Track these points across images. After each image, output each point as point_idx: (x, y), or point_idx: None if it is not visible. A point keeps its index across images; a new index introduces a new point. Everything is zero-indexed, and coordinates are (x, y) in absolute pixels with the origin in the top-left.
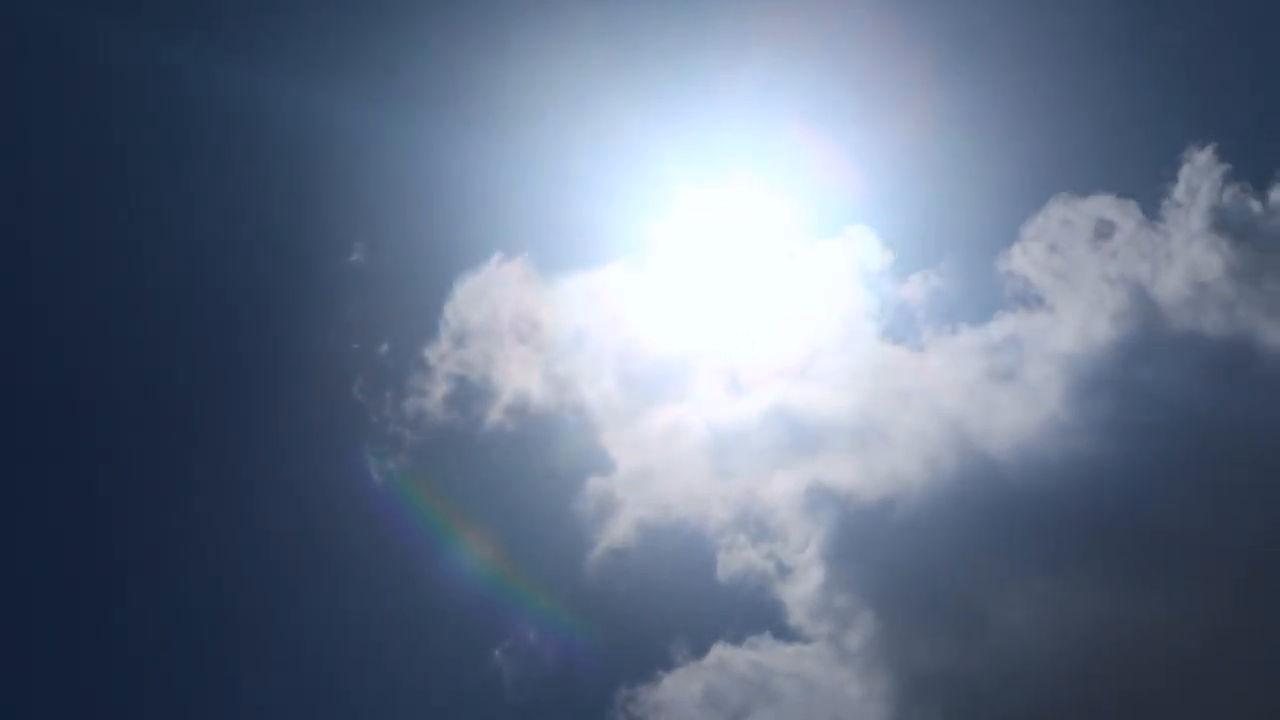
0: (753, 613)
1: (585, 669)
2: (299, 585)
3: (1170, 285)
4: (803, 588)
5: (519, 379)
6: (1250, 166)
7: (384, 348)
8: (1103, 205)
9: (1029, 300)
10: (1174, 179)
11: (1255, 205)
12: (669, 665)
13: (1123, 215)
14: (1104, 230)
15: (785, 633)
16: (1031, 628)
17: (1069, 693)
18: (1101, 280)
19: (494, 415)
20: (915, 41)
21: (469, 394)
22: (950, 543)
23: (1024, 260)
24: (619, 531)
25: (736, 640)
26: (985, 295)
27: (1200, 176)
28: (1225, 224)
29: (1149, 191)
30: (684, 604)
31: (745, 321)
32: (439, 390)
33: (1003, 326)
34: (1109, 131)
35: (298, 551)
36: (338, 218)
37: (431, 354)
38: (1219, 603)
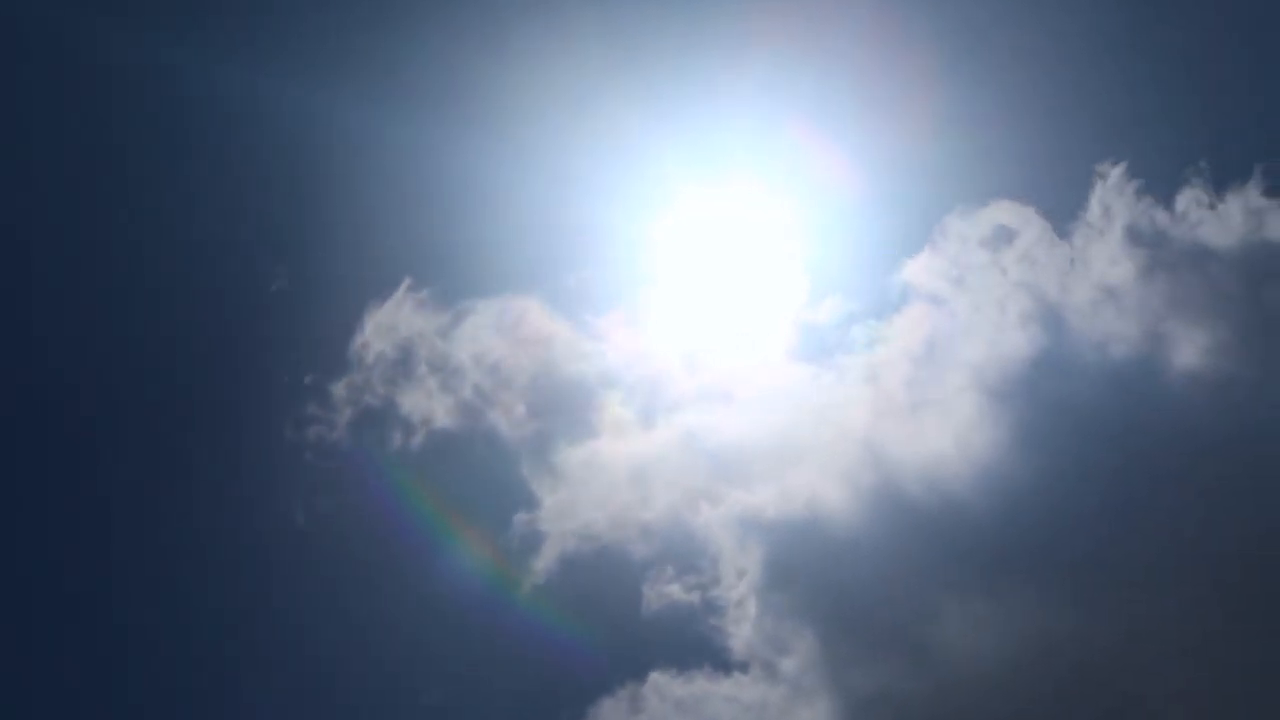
0: (686, 644)
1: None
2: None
3: (1079, 297)
4: (736, 616)
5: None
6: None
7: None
8: (1008, 214)
9: (936, 308)
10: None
11: (1163, 218)
12: (600, 698)
13: (1025, 224)
14: (1004, 239)
15: (721, 663)
16: (967, 645)
17: (1006, 709)
18: (1007, 290)
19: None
20: (915, 42)
21: (376, 421)
22: (880, 564)
23: (926, 270)
24: (543, 565)
25: (670, 672)
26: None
27: (1112, 191)
28: (1136, 237)
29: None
30: (615, 636)
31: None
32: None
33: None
34: (1027, 141)
35: (204, 567)
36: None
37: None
38: (1146, 614)
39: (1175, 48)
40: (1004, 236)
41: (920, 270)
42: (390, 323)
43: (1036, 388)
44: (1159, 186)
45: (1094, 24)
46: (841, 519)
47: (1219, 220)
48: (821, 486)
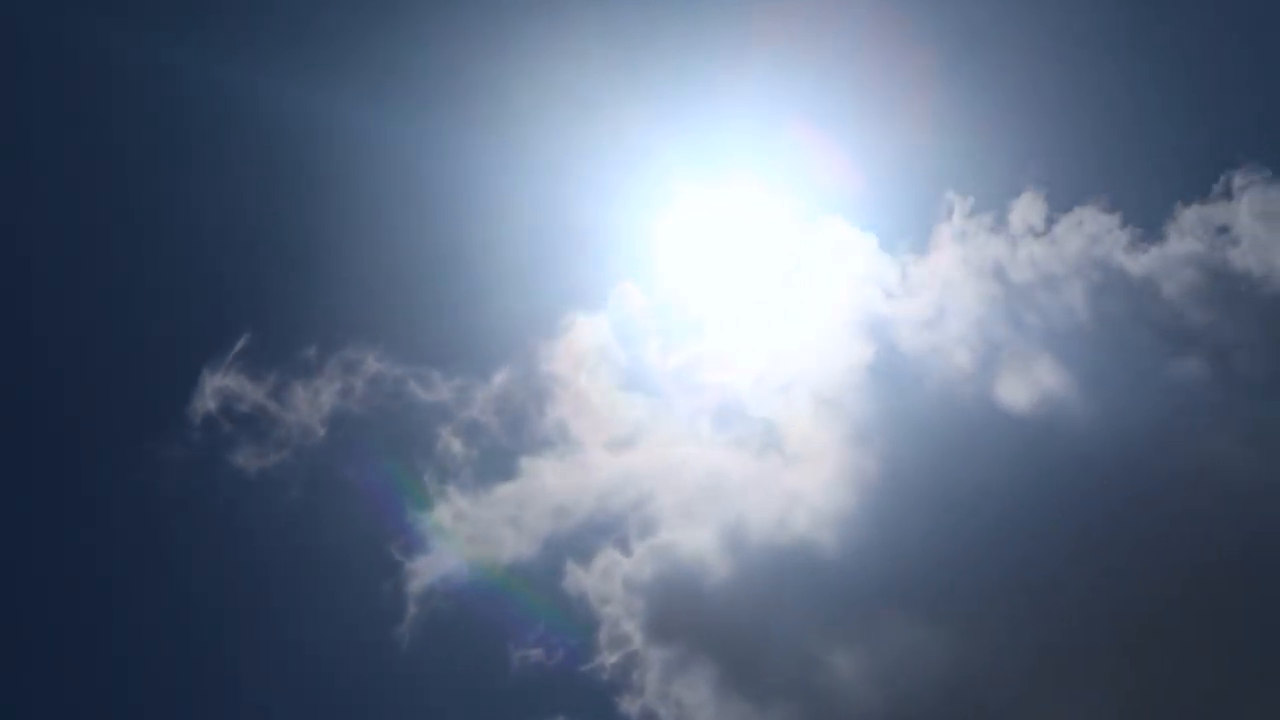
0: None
1: None
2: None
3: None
4: (628, 664)
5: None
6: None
7: None
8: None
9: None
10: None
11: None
12: None
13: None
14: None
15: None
16: (855, 685)
17: None
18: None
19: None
20: (917, 41)
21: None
22: (767, 607)
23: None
24: (405, 629)
25: None
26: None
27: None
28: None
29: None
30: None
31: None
32: None
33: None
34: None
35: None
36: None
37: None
38: (1024, 642)
39: (996, 71)
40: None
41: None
42: None
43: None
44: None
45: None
46: (712, 567)
47: (1055, 240)
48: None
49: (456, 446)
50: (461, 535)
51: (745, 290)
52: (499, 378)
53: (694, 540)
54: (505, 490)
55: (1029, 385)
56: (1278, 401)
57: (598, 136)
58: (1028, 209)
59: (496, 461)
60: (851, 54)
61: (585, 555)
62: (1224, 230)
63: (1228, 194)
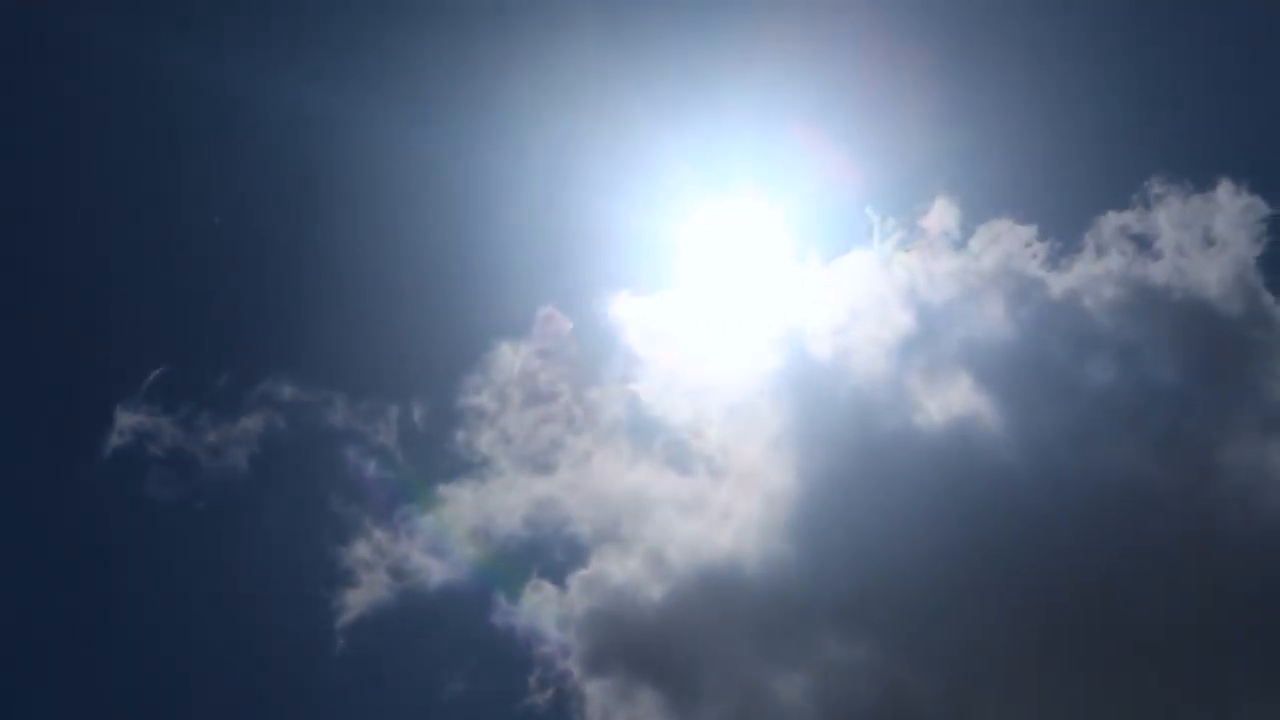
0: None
1: None
2: None
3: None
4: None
5: None
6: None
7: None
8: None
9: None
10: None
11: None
12: None
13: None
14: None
15: None
16: (797, 707)
17: None
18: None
19: None
20: (922, 46)
21: None
22: (701, 631)
23: None
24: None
25: None
26: None
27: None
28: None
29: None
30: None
31: None
32: None
33: None
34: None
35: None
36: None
37: None
38: (964, 659)
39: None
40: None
41: None
42: None
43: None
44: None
45: None
46: (643, 593)
47: (969, 247)
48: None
49: (373, 474)
50: (384, 565)
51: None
52: (416, 404)
53: (622, 566)
54: (426, 519)
55: (946, 397)
56: (1192, 410)
57: (602, 141)
58: (941, 218)
59: (413, 489)
60: (858, 59)
61: (514, 584)
62: (1141, 240)
63: (1146, 204)
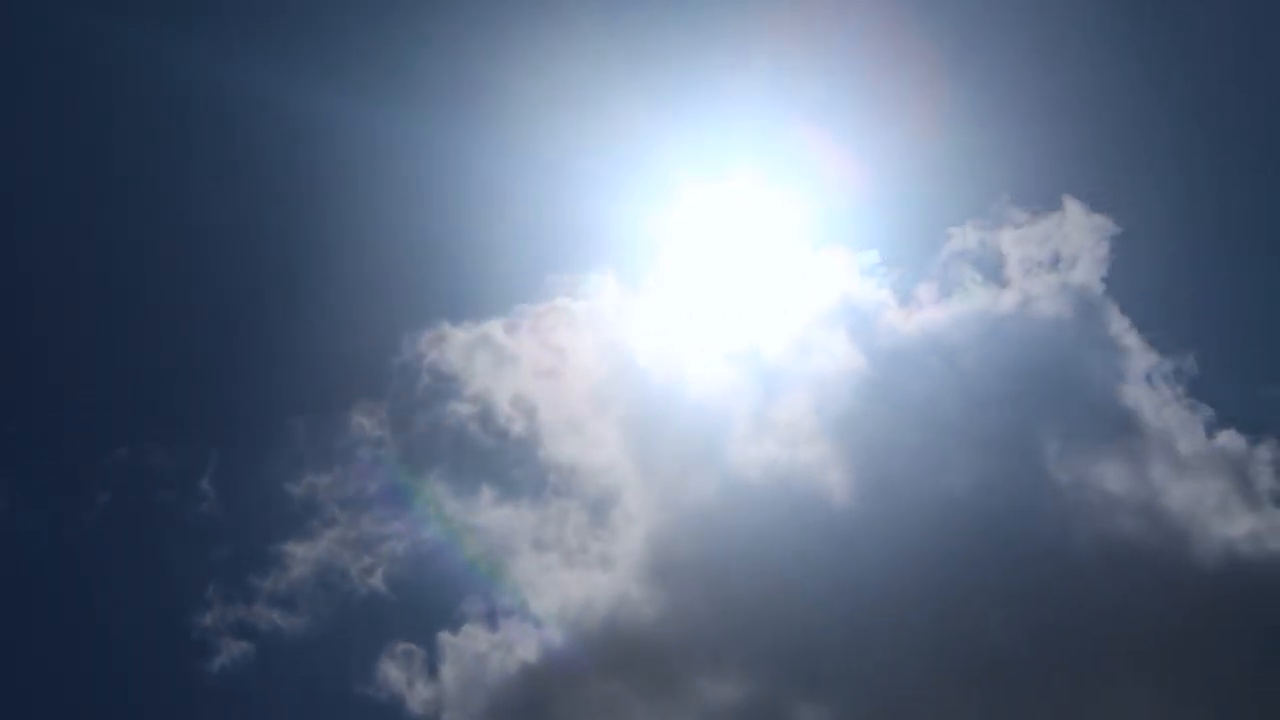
0: None
1: None
2: None
3: None
4: None
5: None
6: None
7: None
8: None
9: None
10: None
11: None
12: None
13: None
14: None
15: None
16: None
17: None
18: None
19: None
20: (922, 41)
21: None
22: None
23: None
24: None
25: None
26: None
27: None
28: None
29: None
30: None
31: None
32: None
33: None
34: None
35: None
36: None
37: None
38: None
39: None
40: None
41: None
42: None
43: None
44: None
45: None
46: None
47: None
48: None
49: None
50: (258, 620)
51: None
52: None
53: (521, 629)
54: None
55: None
56: (1037, 427)
57: (602, 134)
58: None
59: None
60: (857, 53)
61: (372, 650)
62: (987, 261)
63: (991, 225)
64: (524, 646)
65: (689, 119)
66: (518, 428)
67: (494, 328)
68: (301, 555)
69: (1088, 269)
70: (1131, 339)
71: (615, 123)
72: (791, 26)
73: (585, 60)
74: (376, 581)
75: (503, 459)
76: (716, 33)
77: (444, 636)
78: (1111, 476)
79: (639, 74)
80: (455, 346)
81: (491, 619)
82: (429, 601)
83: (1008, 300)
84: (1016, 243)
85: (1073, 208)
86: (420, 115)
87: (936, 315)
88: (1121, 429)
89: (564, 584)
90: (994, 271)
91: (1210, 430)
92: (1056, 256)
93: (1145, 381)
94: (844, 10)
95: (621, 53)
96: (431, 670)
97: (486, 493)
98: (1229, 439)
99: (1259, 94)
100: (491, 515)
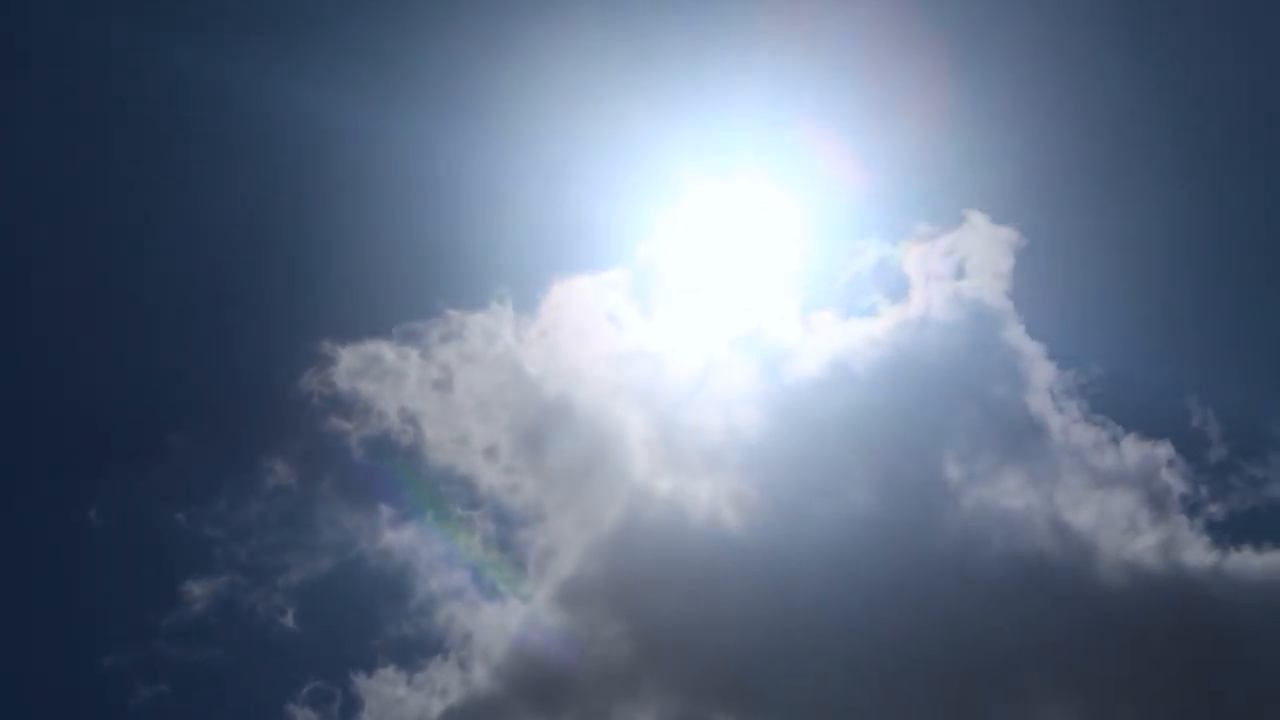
0: None
1: None
2: None
3: None
4: None
5: None
6: None
7: None
8: None
9: None
10: None
11: None
12: None
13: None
14: None
15: None
16: None
17: None
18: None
19: None
20: (925, 40)
21: None
22: None
23: None
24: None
25: None
26: None
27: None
28: None
29: None
30: None
31: None
32: None
33: None
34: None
35: None
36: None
37: None
38: None
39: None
40: None
41: None
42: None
43: None
44: None
45: None
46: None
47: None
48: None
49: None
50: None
51: None
52: None
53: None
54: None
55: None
56: (937, 444)
57: (605, 134)
58: None
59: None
60: (859, 51)
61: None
62: (891, 275)
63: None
64: (442, 681)
65: (694, 118)
66: (411, 445)
67: (383, 347)
68: (199, 592)
69: (991, 282)
70: (1035, 350)
71: (619, 123)
72: (800, 24)
73: (585, 60)
74: (282, 617)
75: (399, 477)
76: (722, 30)
77: (358, 678)
78: (1015, 489)
79: (645, 74)
80: (351, 365)
81: (405, 654)
82: (339, 636)
83: (911, 314)
84: (920, 257)
85: (976, 220)
86: (417, 116)
87: (839, 331)
88: (1025, 441)
89: (477, 614)
90: (897, 286)
91: (1114, 441)
92: (960, 269)
93: (1048, 393)
94: (852, 7)
95: (627, 52)
96: (346, 713)
97: (385, 512)
98: (1132, 450)
99: (1161, 106)
100: (392, 537)
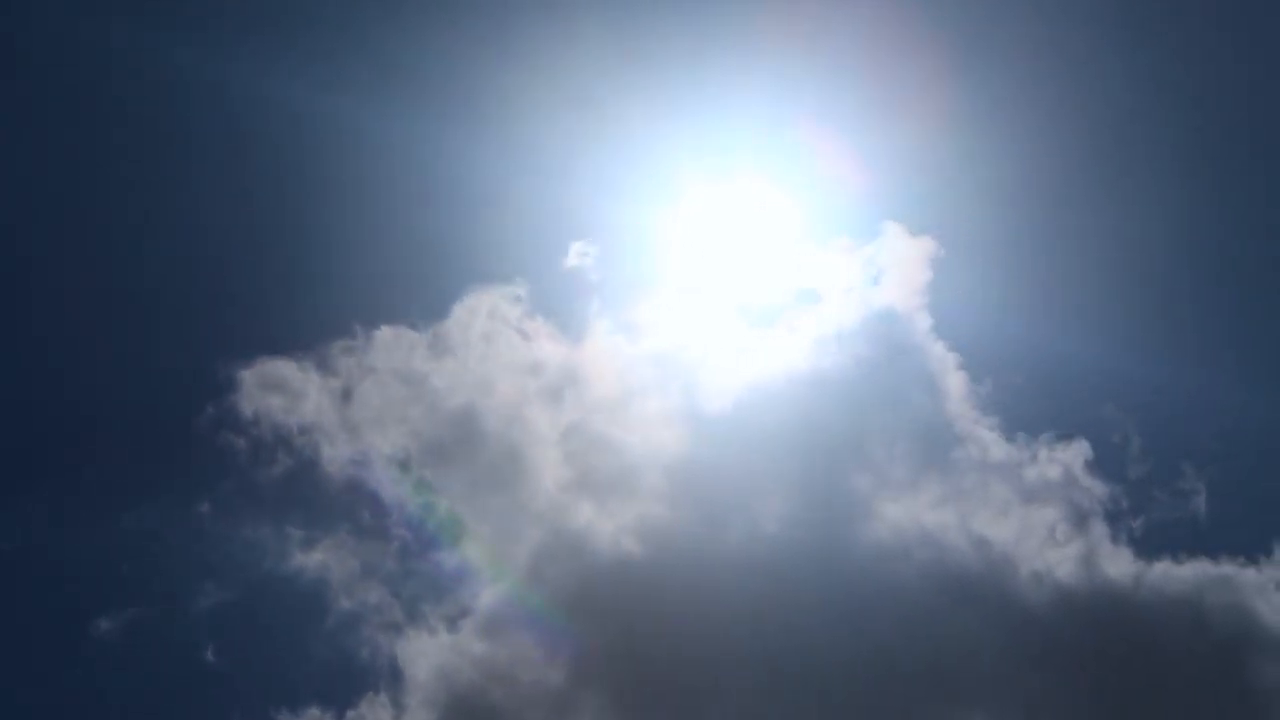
0: None
1: None
2: None
3: None
4: None
5: None
6: None
7: None
8: None
9: None
10: None
11: None
12: None
13: None
14: None
15: None
16: None
17: None
18: None
19: None
20: (925, 40)
21: None
22: None
23: None
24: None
25: None
26: None
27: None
28: None
29: None
30: None
31: None
32: None
33: None
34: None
35: None
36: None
37: None
38: None
39: None
40: None
41: None
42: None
43: None
44: None
45: None
46: None
47: None
48: None
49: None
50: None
51: None
52: None
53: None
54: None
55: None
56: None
57: (605, 134)
58: None
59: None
60: (860, 52)
61: None
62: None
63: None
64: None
65: (694, 118)
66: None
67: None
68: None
69: (907, 292)
70: (951, 361)
71: (619, 123)
72: (800, 25)
73: (589, 60)
74: (203, 652)
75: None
76: (722, 30)
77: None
78: (932, 502)
79: (645, 74)
80: (271, 381)
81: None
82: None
83: (826, 325)
84: (835, 267)
85: (893, 231)
86: (418, 115)
87: (758, 343)
88: (943, 453)
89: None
90: (811, 296)
91: (1032, 453)
92: (876, 279)
93: (965, 404)
94: (852, 8)
95: (627, 52)
96: None
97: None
98: (1052, 461)
99: (1081, 118)
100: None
